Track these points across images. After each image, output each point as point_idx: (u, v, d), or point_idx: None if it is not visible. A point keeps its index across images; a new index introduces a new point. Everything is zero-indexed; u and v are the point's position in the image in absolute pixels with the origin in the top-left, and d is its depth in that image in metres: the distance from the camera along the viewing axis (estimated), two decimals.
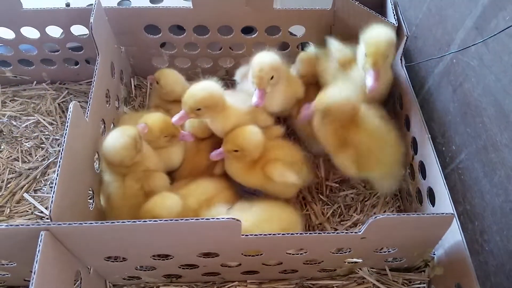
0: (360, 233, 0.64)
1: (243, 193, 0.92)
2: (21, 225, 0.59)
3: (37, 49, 1.04)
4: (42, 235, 0.57)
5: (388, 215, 0.62)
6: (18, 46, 1.03)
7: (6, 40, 1.02)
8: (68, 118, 0.70)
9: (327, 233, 0.65)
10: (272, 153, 0.86)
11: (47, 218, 0.91)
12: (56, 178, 0.64)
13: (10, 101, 1.11)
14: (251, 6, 0.96)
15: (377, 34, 0.80)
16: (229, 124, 0.86)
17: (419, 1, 0.97)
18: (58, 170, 0.65)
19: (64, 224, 0.59)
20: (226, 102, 0.85)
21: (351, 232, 0.65)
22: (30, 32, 1.00)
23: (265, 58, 0.84)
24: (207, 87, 0.83)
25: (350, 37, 0.96)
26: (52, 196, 0.62)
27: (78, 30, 1.00)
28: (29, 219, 0.93)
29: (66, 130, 0.69)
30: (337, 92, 0.80)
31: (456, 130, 0.86)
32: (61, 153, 0.66)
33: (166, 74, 0.97)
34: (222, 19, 0.99)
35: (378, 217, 0.61)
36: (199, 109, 0.81)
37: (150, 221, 0.59)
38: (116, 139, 0.77)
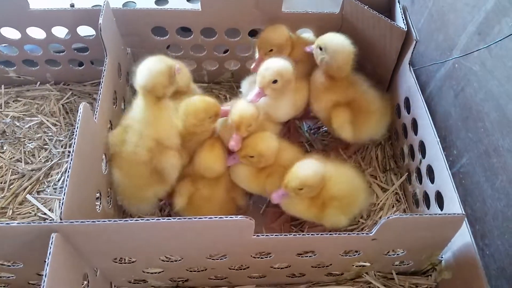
0: (371, 234, 0.64)
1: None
2: (33, 222, 0.58)
3: (43, 50, 1.03)
4: (53, 237, 0.56)
5: (400, 215, 0.62)
6: (23, 46, 1.02)
7: (11, 40, 1.01)
8: (78, 119, 0.69)
9: (339, 234, 0.65)
10: (279, 158, 0.85)
11: (51, 220, 0.90)
12: (66, 180, 0.64)
13: (13, 101, 1.10)
14: (259, 9, 0.96)
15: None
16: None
17: (421, 6, 0.98)
18: (68, 171, 0.64)
19: (76, 222, 0.58)
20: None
21: (363, 233, 0.65)
22: (36, 33, 1.00)
23: (275, 62, 0.85)
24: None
25: (358, 39, 0.97)
26: (63, 198, 0.62)
27: (83, 31, 1.00)
28: (32, 220, 0.92)
29: (76, 131, 0.68)
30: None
31: (457, 135, 0.87)
32: (72, 155, 0.66)
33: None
34: (230, 22, 0.99)
35: (390, 217, 0.61)
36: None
37: (162, 219, 0.59)
38: (152, 63, 0.78)
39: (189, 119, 0.82)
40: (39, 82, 1.12)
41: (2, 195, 0.95)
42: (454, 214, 0.62)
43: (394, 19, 0.92)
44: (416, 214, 0.81)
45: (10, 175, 0.97)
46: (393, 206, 0.93)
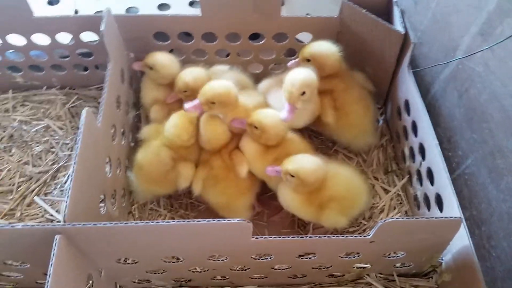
0: (369, 236, 0.65)
1: None
2: (37, 225, 0.60)
3: (48, 55, 1.05)
4: (56, 239, 0.58)
5: (397, 218, 0.63)
6: (29, 52, 1.04)
7: (17, 46, 1.03)
8: (81, 124, 0.71)
9: (337, 236, 0.66)
10: (287, 147, 0.86)
11: (58, 221, 0.92)
12: (70, 183, 0.65)
13: (20, 105, 1.12)
14: (258, 13, 0.97)
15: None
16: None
17: (424, 7, 0.98)
18: (72, 175, 0.66)
19: (79, 224, 0.59)
20: (239, 101, 0.87)
21: (361, 236, 0.66)
22: (41, 39, 1.02)
23: (299, 74, 0.85)
24: (226, 84, 0.85)
25: (357, 43, 0.98)
26: (66, 201, 0.63)
27: (87, 36, 1.01)
28: (40, 222, 0.94)
29: (79, 136, 0.70)
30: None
31: (462, 136, 0.87)
32: (75, 159, 0.67)
33: (159, 56, 0.96)
34: (230, 27, 1.00)
35: (387, 221, 0.62)
36: (213, 103, 0.83)
37: (162, 222, 0.61)
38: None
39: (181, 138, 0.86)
40: (45, 87, 1.14)
41: (11, 197, 0.97)
42: (451, 217, 0.63)
43: (392, 23, 0.93)
44: (413, 217, 0.81)
45: (19, 178, 0.99)
46: (394, 208, 0.94)
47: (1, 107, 1.11)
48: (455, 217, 0.63)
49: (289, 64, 0.94)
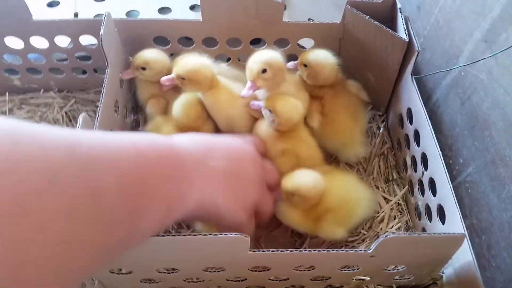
0: (370, 251, 0.64)
1: None
2: None
3: (46, 58, 1.04)
4: None
5: (398, 234, 0.61)
6: (27, 55, 1.03)
7: (15, 49, 1.02)
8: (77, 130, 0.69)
9: (336, 250, 0.64)
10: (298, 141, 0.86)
11: None
12: None
13: (17, 109, 1.11)
14: (260, 19, 0.96)
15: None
16: (218, 104, 0.88)
17: (427, 13, 0.97)
18: None
19: None
20: (218, 80, 0.87)
21: (361, 250, 0.64)
22: (39, 42, 1.00)
23: (262, 52, 0.86)
24: (199, 61, 0.85)
25: (359, 50, 0.96)
26: None
27: (86, 40, 1.00)
28: None
29: None
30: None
31: (463, 143, 0.85)
32: None
33: (147, 53, 0.94)
34: (231, 32, 0.99)
35: (388, 236, 0.60)
36: (183, 79, 0.83)
37: (158, 235, 0.59)
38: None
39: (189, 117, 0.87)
40: (43, 90, 1.13)
41: None
42: (454, 234, 0.61)
43: (396, 29, 0.91)
44: (415, 233, 0.80)
45: None
46: (395, 218, 0.92)
47: None
48: (458, 234, 0.61)
49: (288, 64, 0.93)
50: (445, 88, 0.92)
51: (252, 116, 0.90)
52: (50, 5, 1.21)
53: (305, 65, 0.90)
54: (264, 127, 0.87)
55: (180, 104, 0.87)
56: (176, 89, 0.93)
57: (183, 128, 0.86)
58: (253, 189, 0.71)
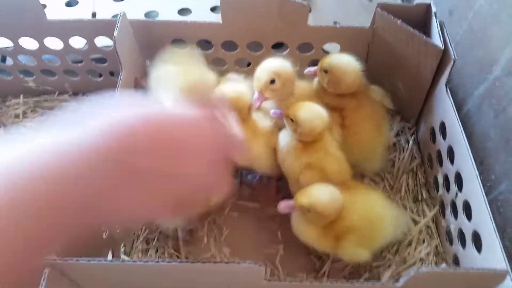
0: (398, 285, 0.57)
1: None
2: None
3: (61, 60, 1.01)
4: (46, 273, 0.52)
5: (432, 268, 0.55)
6: (41, 56, 1.00)
7: (29, 50, 0.99)
8: None
9: (361, 283, 0.58)
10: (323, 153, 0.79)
11: None
12: None
13: (31, 111, 1.08)
14: (284, 22, 0.90)
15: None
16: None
17: (460, 18, 0.90)
18: None
19: (70, 260, 0.54)
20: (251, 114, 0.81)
21: (388, 285, 0.58)
22: (54, 43, 0.97)
23: (271, 61, 0.81)
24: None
25: (389, 56, 0.90)
26: None
27: (102, 41, 0.96)
28: None
29: None
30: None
31: (496, 158, 0.78)
32: None
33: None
34: (252, 35, 0.94)
35: (420, 270, 0.54)
36: (273, 81, 0.78)
37: (165, 262, 0.54)
38: None
39: None
40: (57, 92, 1.10)
41: None
42: (495, 269, 0.54)
43: (429, 35, 0.84)
44: (450, 268, 0.73)
45: None
46: (423, 241, 0.85)
47: (11, 112, 1.07)
48: (500, 270, 0.54)
49: (306, 71, 0.86)
50: (477, 98, 0.85)
51: (273, 154, 0.83)
52: (68, 4, 1.18)
53: (326, 71, 0.83)
54: (286, 138, 0.81)
55: None
56: None
57: None
58: (182, 183, 0.49)
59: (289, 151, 0.80)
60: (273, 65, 0.79)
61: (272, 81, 0.78)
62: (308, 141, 0.78)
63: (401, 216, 0.79)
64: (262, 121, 0.82)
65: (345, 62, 0.83)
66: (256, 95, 0.79)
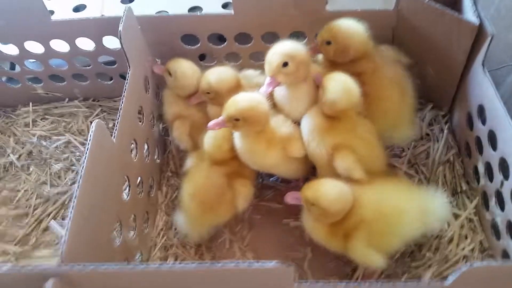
0: (447, 283, 0.49)
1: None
2: (28, 266, 0.48)
3: (68, 64, 0.97)
4: (50, 283, 0.47)
5: (488, 263, 0.47)
6: (48, 60, 0.97)
7: (35, 54, 0.96)
8: (89, 140, 0.60)
9: (404, 282, 0.50)
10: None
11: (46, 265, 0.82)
12: (71, 212, 0.54)
13: (41, 119, 1.04)
14: (299, 9, 0.84)
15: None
16: (254, 155, 0.74)
17: (486, 2, 0.83)
18: (73, 201, 0.55)
19: (77, 266, 0.48)
20: (269, 122, 0.73)
21: (436, 281, 0.51)
22: (60, 45, 0.93)
23: (283, 44, 0.74)
24: (253, 98, 0.71)
25: (417, 39, 0.83)
26: (66, 234, 0.52)
27: (110, 42, 0.92)
28: (56, 249, 0.84)
29: (86, 153, 0.59)
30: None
31: None
32: (79, 181, 0.56)
33: (181, 63, 0.84)
34: (267, 25, 0.88)
35: (474, 266, 0.47)
36: (237, 120, 0.69)
37: (181, 265, 0.48)
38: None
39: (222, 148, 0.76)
40: (67, 99, 1.06)
41: (26, 221, 0.88)
42: None
43: (461, 12, 0.77)
44: (509, 261, 0.65)
45: (35, 199, 0.91)
46: (466, 237, 0.77)
47: (21, 121, 1.04)
48: None
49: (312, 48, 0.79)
50: (509, 85, 0.79)
51: (293, 160, 0.76)
52: (76, 9, 1.15)
53: (329, 42, 0.76)
54: (310, 122, 0.74)
55: (210, 137, 0.76)
56: (201, 107, 0.84)
57: (216, 161, 0.76)
58: None
59: (313, 133, 0.73)
60: (286, 47, 0.73)
61: (285, 64, 0.71)
62: (333, 116, 0.71)
63: (439, 208, 0.71)
64: (280, 128, 0.74)
65: (347, 27, 0.76)
66: (267, 79, 0.73)
